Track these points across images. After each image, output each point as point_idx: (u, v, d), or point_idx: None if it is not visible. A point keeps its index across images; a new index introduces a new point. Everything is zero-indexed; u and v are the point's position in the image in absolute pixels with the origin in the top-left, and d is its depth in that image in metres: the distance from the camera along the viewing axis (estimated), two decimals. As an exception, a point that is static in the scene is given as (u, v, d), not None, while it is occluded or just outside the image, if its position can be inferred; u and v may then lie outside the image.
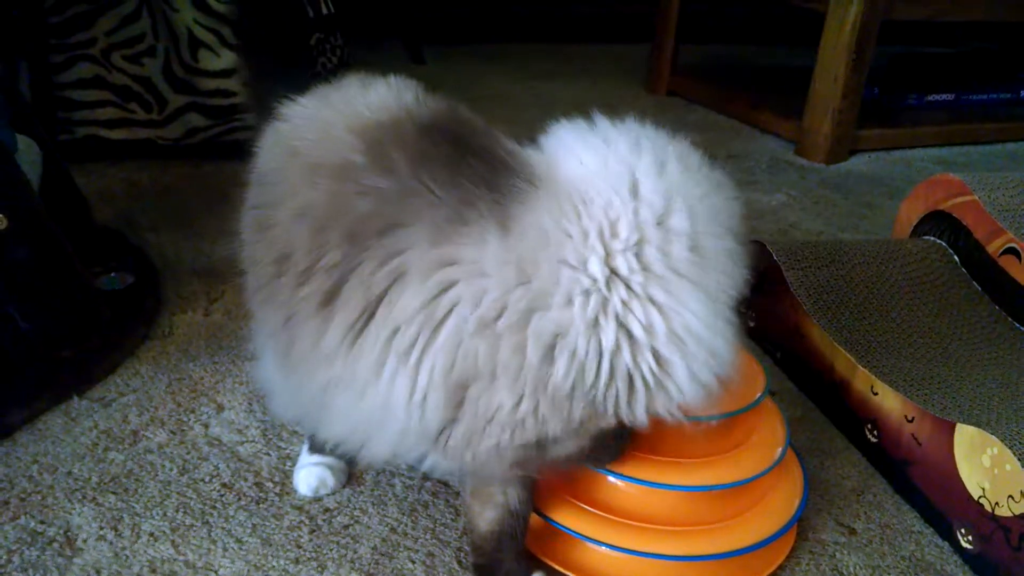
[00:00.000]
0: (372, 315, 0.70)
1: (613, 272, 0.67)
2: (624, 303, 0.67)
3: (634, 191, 0.68)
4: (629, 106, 2.75)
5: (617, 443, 0.80)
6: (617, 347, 0.67)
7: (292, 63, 0.94)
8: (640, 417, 0.71)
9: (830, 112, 2.28)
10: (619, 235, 0.67)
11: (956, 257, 1.39)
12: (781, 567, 0.93)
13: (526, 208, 0.68)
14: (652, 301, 0.67)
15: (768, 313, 1.35)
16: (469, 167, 0.70)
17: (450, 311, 0.68)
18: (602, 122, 0.75)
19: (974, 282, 1.35)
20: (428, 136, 0.72)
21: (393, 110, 0.76)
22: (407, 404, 0.70)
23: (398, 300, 0.69)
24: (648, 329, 0.68)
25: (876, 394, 1.10)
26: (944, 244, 1.41)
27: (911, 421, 1.04)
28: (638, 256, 0.67)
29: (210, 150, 1.89)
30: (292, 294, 0.73)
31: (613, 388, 0.69)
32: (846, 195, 2.10)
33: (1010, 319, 1.29)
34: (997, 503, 0.92)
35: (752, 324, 1.39)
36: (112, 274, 1.34)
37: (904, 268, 1.37)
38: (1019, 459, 0.89)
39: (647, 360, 0.68)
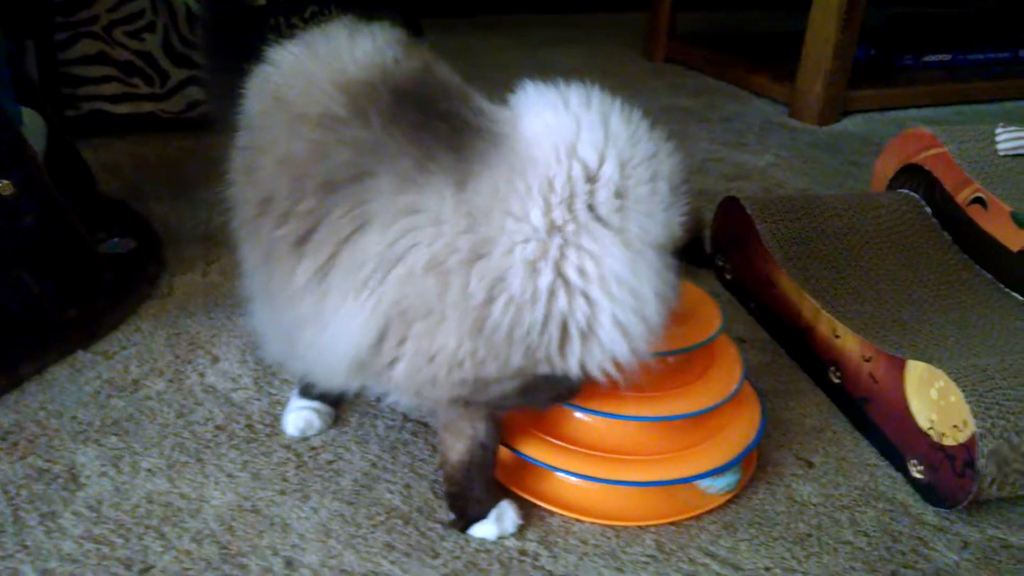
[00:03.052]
0: (337, 256, 0.77)
1: (552, 223, 0.75)
2: (560, 250, 0.75)
3: (572, 150, 0.77)
4: (627, 73, 2.79)
5: (550, 390, 0.85)
6: (552, 292, 0.75)
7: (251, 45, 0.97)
8: (573, 367, 0.79)
9: (821, 73, 2.30)
10: (555, 189, 0.75)
11: (928, 208, 1.43)
12: (738, 496, 0.99)
13: (483, 166, 0.76)
14: (583, 248, 0.76)
15: (743, 266, 1.40)
16: (434, 128, 0.77)
17: (405, 253, 0.76)
18: (543, 90, 0.83)
19: (944, 232, 1.39)
20: (400, 98, 0.79)
21: (373, 68, 0.82)
22: (359, 337, 0.78)
23: (360, 242, 0.77)
24: (581, 274, 0.76)
25: (838, 337, 1.15)
26: (916, 196, 1.45)
27: (868, 360, 1.09)
28: (570, 208, 0.75)
29: (210, 122, 1.94)
30: (271, 233, 0.81)
31: (547, 334, 0.76)
32: (835, 155, 2.13)
33: (976, 266, 1.33)
34: (944, 434, 0.97)
35: (728, 277, 1.44)
36: (115, 239, 1.40)
37: (876, 219, 1.41)
38: (961, 390, 0.94)
39: (579, 306, 0.76)
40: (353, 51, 0.83)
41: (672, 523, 0.94)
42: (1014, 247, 1.26)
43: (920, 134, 1.44)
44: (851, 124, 2.38)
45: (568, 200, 0.75)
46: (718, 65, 2.77)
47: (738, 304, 1.41)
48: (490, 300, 0.74)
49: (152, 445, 1.01)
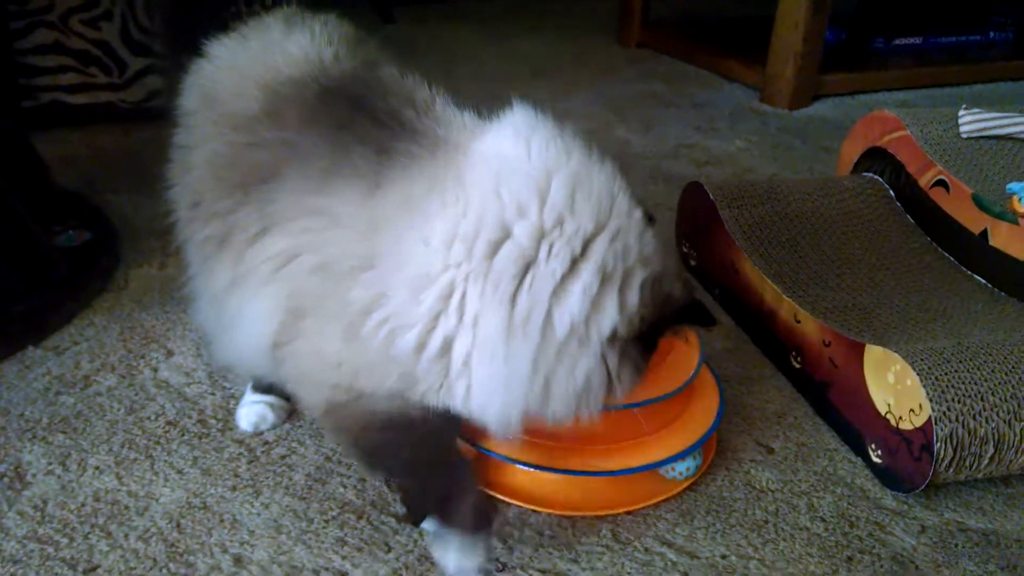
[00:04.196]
0: (245, 254, 0.77)
1: (448, 256, 0.69)
2: (450, 284, 0.69)
3: (501, 189, 0.69)
4: (600, 59, 2.77)
5: (424, 437, 0.79)
6: (432, 322, 0.70)
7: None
8: (449, 406, 0.74)
9: (792, 58, 2.29)
10: (467, 219, 0.69)
11: (891, 192, 1.42)
12: (697, 483, 0.98)
13: (404, 173, 0.71)
14: (467, 296, 0.69)
15: (707, 252, 1.39)
16: (361, 127, 0.74)
17: (300, 252, 0.74)
18: (529, 117, 0.75)
19: (907, 215, 1.39)
20: (327, 97, 0.76)
21: (305, 65, 0.79)
22: (263, 326, 0.77)
23: (266, 241, 0.76)
24: (460, 317, 0.69)
25: (799, 322, 1.14)
26: (880, 180, 1.44)
27: (828, 345, 1.09)
28: (470, 249, 0.68)
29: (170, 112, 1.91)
30: (201, 233, 0.81)
31: (422, 362, 0.71)
32: (805, 140, 2.12)
33: (939, 248, 1.33)
34: (901, 417, 0.96)
35: (693, 263, 1.43)
36: (69, 232, 1.37)
37: (840, 204, 1.40)
38: (917, 373, 0.93)
39: (458, 348, 0.70)
40: (286, 47, 0.81)
41: (629, 512, 0.93)
42: (975, 229, 1.26)
43: (884, 117, 1.43)
44: (822, 108, 2.37)
45: (472, 240, 0.69)
46: (691, 51, 2.75)
47: (704, 291, 1.40)
48: (367, 311, 0.71)
49: (101, 442, 0.99)
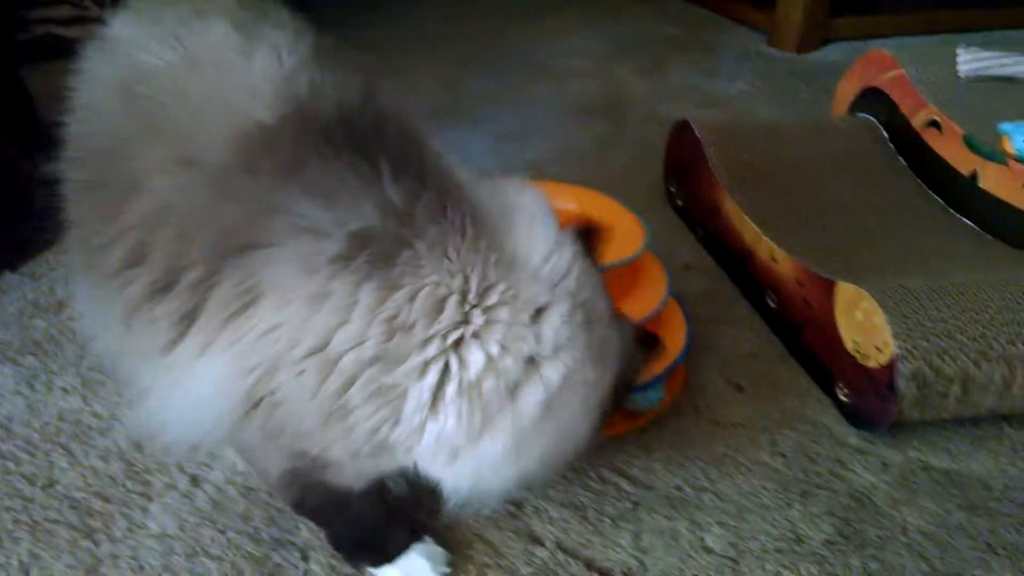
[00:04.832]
0: (220, 332, 0.63)
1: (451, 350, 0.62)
2: (435, 388, 0.62)
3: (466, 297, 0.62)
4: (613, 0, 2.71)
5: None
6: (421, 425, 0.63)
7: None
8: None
9: (801, 0, 2.23)
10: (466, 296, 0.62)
11: (885, 134, 1.39)
12: (663, 419, 0.97)
13: (426, 262, 0.61)
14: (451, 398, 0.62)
15: (692, 192, 1.36)
16: (379, 185, 0.61)
17: (297, 339, 0.62)
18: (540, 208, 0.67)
19: (899, 157, 1.36)
20: (319, 140, 0.62)
21: (282, 106, 0.64)
22: (228, 385, 0.64)
23: (245, 319, 0.62)
24: (444, 416, 0.63)
25: (776, 262, 1.12)
26: (874, 120, 1.40)
27: (802, 285, 1.07)
28: (458, 348, 0.62)
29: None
30: (146, 304, 0.65)
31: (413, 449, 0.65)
32: (810, 84, 2.07)
33: (929, 191, 1.29)
34: (867, 356, 0.95)
35: (679, 204, 1.41)
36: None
37: (831, 145, 1.37)
38: (884, 310, 0.92)
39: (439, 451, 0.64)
40: (251, 79, 0.65)
41: (588, 444, 0.93)
42: (965, 171, 1.23)
43: (881, 56, 1.39)
44: (831, 52, 2.31)
45: (462, 332, 0.62)
46: (701, -8, 2.69)
47: (688, 231, 1.38)
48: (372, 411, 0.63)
49: (69, 365, 1.00)
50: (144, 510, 0.83)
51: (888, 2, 2.58)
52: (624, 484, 0.89)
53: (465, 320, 0.62)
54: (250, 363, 0.63)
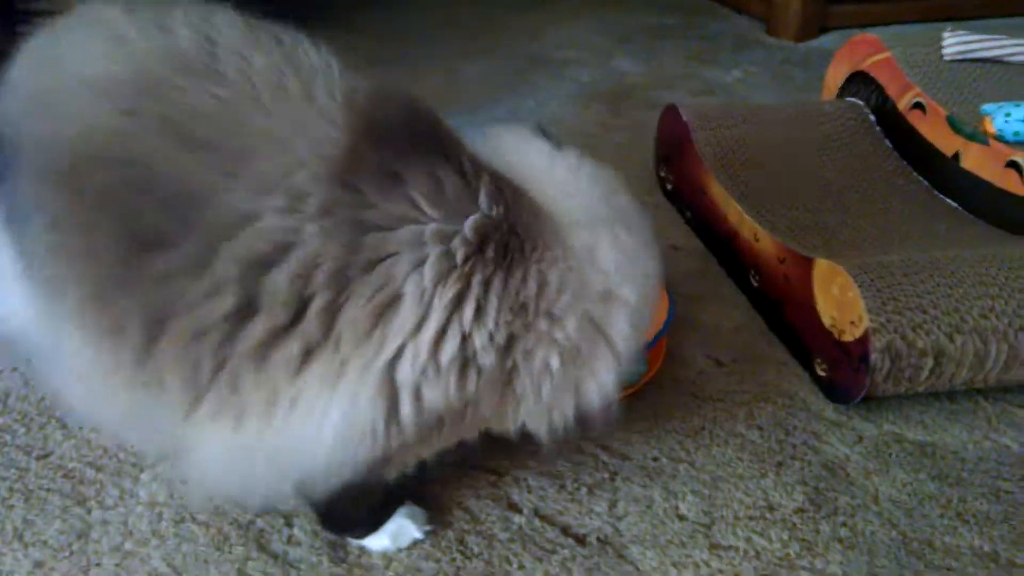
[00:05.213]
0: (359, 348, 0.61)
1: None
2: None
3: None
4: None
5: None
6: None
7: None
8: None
9: (799, -13, 2.24)
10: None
11: (872, 116, 1.40)
12: (643, 393, 0.99)
13: (527, 243, 0.65)
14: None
15: (681, 175, 1.38)
16: (469, 179, 0.63)
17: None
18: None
19: (885, 139, 1.37)
20: (395, 145, 0.62)
21: (343, 116, 0.61)
22: (352, 420, 0.62)
23: (392, 325, 0.61)
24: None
25: (758, 241, 1.14)
26: (861, 104, 1.42)
27: (783, 262, 1.09)
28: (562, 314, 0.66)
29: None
30: (258, 352, 0.60)
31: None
32: (806, 72, 2.08)
33: (913, 172, 1.31)
34: (843, 330, 0.97)
35: (669, 187, 1.43)
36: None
37: (818, 128, 1.38)
38: (858, 284, 0.93)
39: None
40: (307, 93, 0.62)
41: (568, 417, 0.95)
42: (948, 152, 1.24)
43: (868, 39, 1.40)
44: (829, 41, 2.31)
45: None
46: (700, -18, 2.70)
47: (677, 214, 1.40)
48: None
49: (66, 342, 1.03)
50: (135, 479, 0.86)
51: (887, -11, 2.58)
52: (602, 455, 0.91)
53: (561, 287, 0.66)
54: (395, 373, 0.62)
